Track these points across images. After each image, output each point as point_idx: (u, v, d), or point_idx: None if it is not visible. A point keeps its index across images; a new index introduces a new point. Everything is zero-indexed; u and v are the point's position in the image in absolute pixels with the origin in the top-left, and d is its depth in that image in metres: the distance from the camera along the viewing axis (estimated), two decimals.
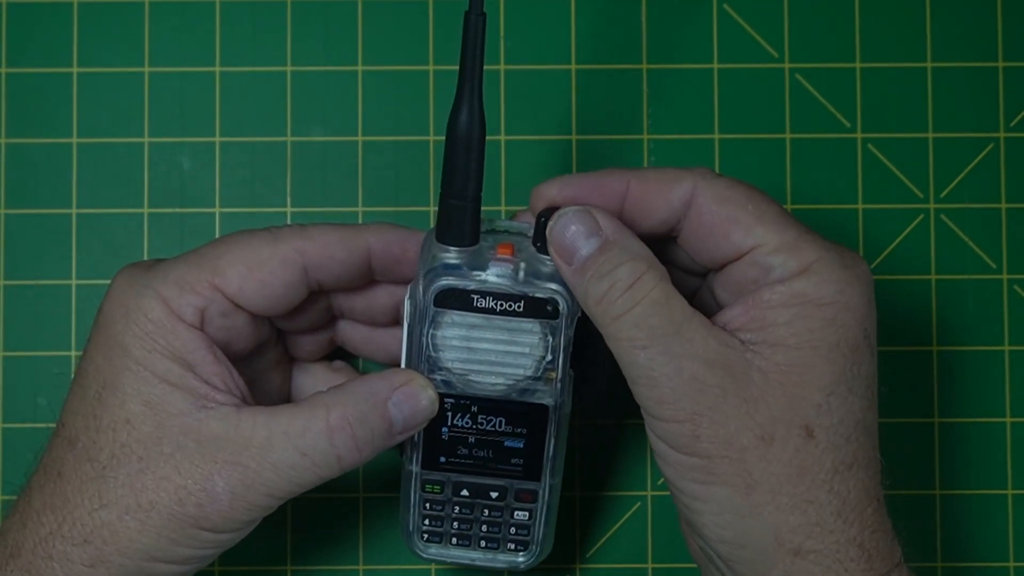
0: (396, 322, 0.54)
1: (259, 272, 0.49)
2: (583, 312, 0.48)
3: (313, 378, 0.55)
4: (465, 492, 0.51)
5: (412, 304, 0.48)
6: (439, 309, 0.48)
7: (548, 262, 0.48)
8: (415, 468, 0.51)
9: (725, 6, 0.60)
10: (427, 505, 0.51)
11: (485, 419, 0.49)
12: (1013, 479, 0.59)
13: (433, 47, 0.59)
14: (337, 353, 0.57)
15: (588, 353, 0.50)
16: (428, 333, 0.48)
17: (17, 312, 0.58)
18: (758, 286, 0.47)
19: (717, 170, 0.59)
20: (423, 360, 0.48)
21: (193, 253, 0.49)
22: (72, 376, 0.49)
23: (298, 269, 0.49)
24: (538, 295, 0.47)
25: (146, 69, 0.59)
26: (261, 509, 0.47)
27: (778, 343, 0.46)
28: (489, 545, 0.52)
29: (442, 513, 0.52)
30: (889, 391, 0.59)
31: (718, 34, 0.60)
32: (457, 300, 0.47)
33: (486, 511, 0.51)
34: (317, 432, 0.47)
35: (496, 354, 0.48)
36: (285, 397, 0.55)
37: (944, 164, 0.59)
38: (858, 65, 0.60)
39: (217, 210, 0.59)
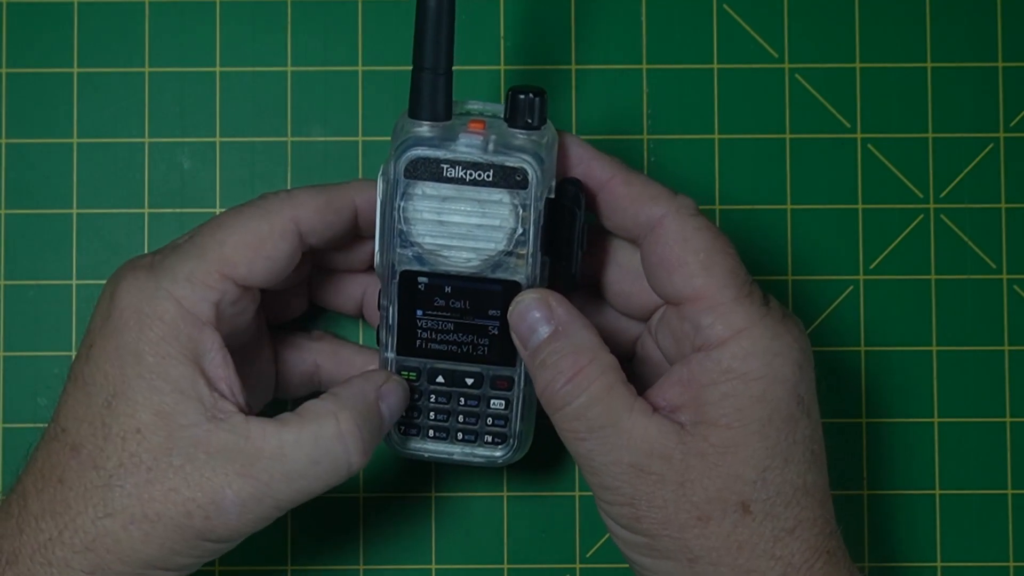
0: (371, 267, 0.53)
1: (263, 250, 0.49)
2: (553, 194, 0.48)
3: (299, 351, 0.55)
4: (441, 379, 0.51)
5: (384, 181, 0.48)
6: (409, 180, 0.48)
7: (519, 135, 0.48)
8: (391, 355, 0.51)
9: (725, 6, 0.60)
10: None
11: (459, 300, 0.49)
12: (1013, 479, 0.59)
13: None
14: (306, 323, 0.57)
15: (559, 240, 0.49)
16: (399, 206, 0.48)
17: (17, 312, 0.58)
18: (689, 347, 0.48)
19: (717, 170, 0.59)
20: (395, 235, 0.48)
21: (190, 244, 0.49)
22: (68, 378, 0.49)
23: (295, 238, 0.49)
24: (508, 163, 0.47)
25: (146, 69, 0.59)
26: (265, 521, 0.48)
27: (712, 423, 0.47)
28: (466, 438, 0.52)
29: (419, 403, 0.52)
30: (890, 391, 0.59)
31: (718, 34, 0.60)
32: (427, 170, 0.47)
33: (462, 400, 0.51)
34: (329, 438, 0.47)
35: (467, 227, 0.48)
36: (273, 374, 0.55)
37: (944, 164, 0.59)
38: (858, 65, 0.60)
39: (217, 210, 0.59)
